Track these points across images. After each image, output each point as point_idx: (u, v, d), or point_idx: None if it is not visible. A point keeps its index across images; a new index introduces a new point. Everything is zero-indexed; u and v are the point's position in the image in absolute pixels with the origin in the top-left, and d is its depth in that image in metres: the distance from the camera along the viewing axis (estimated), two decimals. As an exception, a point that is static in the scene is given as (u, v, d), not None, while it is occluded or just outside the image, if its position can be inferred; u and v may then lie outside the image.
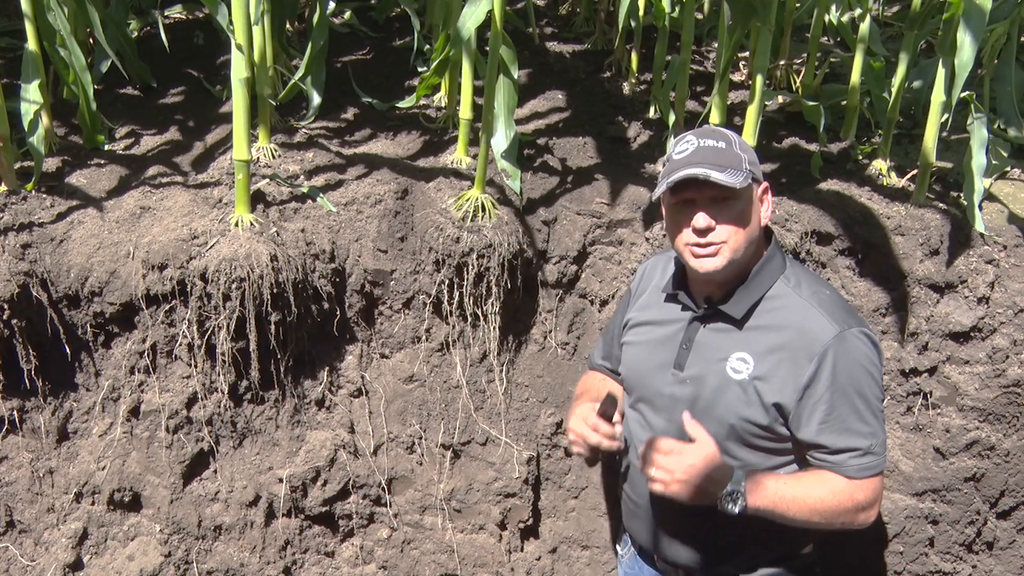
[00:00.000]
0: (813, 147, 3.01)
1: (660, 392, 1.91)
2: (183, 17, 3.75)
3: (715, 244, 1.76)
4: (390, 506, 2.69)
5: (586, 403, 1.97)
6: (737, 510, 1.72)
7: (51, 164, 2.72)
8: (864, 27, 2.93)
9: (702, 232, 1.75)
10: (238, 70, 2.35)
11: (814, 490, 1.77)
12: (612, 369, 2.16)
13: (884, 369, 2.62)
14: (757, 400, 1.78)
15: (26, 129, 2.54)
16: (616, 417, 1.89)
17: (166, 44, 2.93)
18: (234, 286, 2.36)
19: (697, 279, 1.86)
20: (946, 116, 2.62)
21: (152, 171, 2.76)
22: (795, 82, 3.44)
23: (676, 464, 1.73)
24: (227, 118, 2.71)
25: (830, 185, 2.80)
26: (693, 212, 1.76)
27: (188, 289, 2.41)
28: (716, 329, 1.85)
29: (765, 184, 1.84)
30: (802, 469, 1.85)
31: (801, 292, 1.82)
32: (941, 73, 2.54)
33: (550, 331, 2.72)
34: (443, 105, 3.13)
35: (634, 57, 3.33)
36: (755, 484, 1.74)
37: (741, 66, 3.48)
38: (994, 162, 2.88)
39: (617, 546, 2.28)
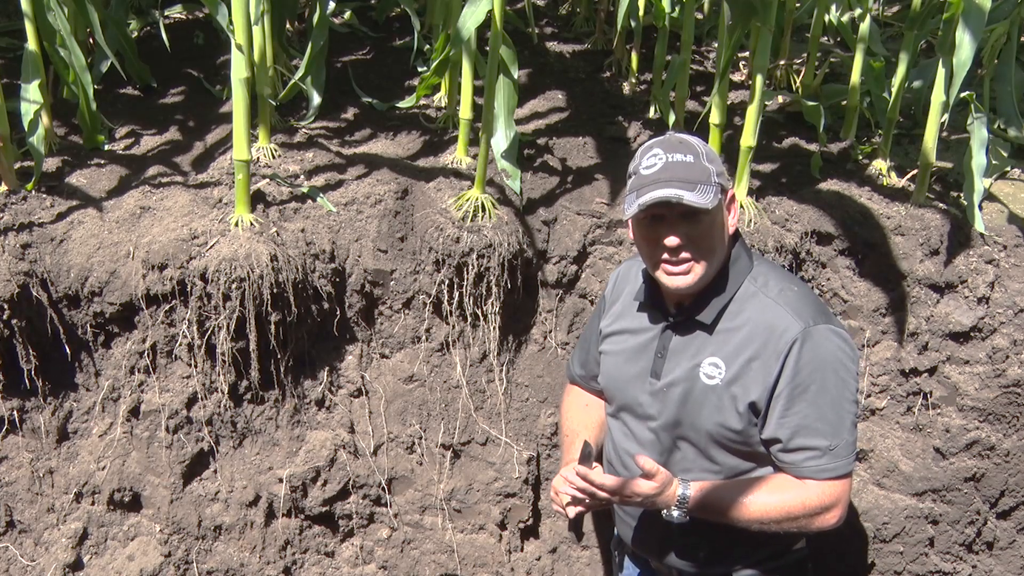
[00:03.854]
0: (813, 147, 3.01)
1: (638, 401, 1.91)
2: (183, 17, 3.75)
3: (686, 262, 1.76)
4: (390, 506, 2.69)
5: (572, 463, 1.95)
6: (677, 522, 1.80)
7: (51, 164, 2.72)
8: (864, 27, 2.93)
9: (673, 250, 1.75)
10: (238, 70, 2.35)
11: (763, 498, 1.78)
12: (590, 377, 2.15)
13: (884, 369, 2.63)
14: (731, 405, 1.79)
15: (26, 129, 2.54)
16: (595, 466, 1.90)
17: (166, 44, 2.93)
18: (234, 286, 2.37)
19: (668, 292, 1.87)
20: (946, 116, 2.61)
21: (152, 171, 2.76)
22: (795, 82, 3.44)
23: (618, 497, 1.81)
24: (227, 118, 2.71)
25: (830, 185, 2.80)
26: (663, 229, 1.75)
27: (188, 289, 2.41)
28: (688, 335, 1.85)
29: (732, 192, 1.85)
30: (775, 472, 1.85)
31: (768, 291, 1.81)
32: (941, 73, 2.54)
33: (550, 331, 2.72)
34: (443, 105, 3.13)
35: (634, 57, 3.33)
36: (696, 501, 1.78)
37: (741, 66, 3.48)
38: (994, 162, 2.88)
39: (612, 545, 2.29)
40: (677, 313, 1.87)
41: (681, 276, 1.77)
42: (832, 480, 1.76)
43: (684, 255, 1.75)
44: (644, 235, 1.80)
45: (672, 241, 1.74)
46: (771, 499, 1.77)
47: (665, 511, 1.80)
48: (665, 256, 1.76)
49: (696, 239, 1.75)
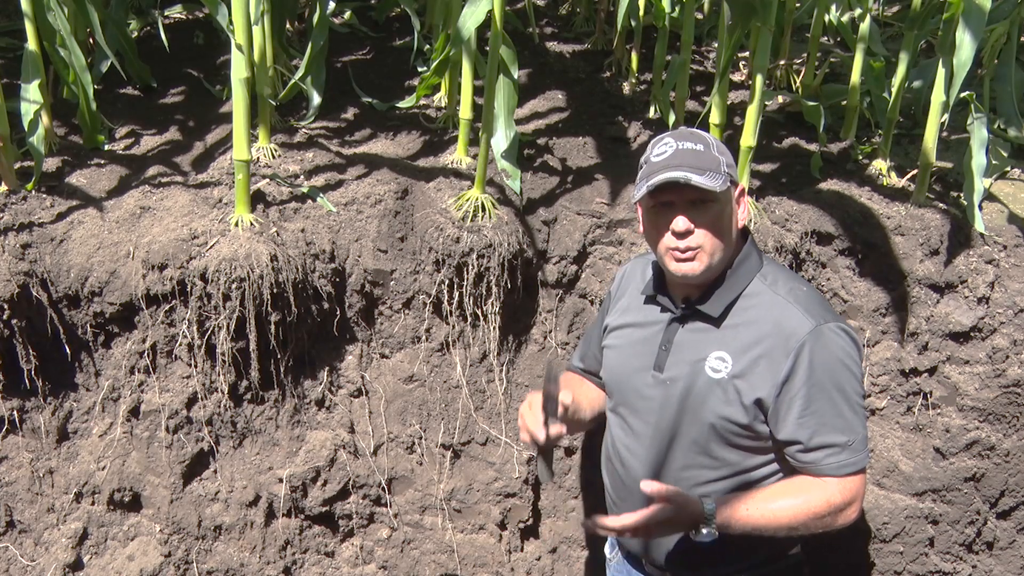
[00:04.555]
0: (813, 147, 3.01)
1: (640, 394, 1.91)
2: (183, 17, 3.76)
3: (694, 249, 1.76)
4: (390, 506, 2.69)
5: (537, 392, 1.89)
6: (708, 540, 1.77)
7: (51, 164, 2.72)
8: (864, 27, 2.93)
9: (681, 235, 1.76)
10: (238, 70, 2.35)
11: (787, 502, 1.77)
12: (587, 370, 2.16)
13: (884, 369, 2.63)
14: (737, 399, 1.78)
15: (26, 129, 2.54)
16: (564, 399, 1.80)
17: (166, 44, 2.93)
18: (234, 286, 2.37)
19: (675, 281, 1.87)
20: (946, 116, 2.61)
21: (152, 171, 2.76)
22: (795, 82, 3.44)
23: (643, 534, 1.80)
24: (227, 118, 2.71)
25: (830, 185, 2.80)
26: (672, 215, 1.76)
27: (188, 289, 2.41)
28: (694, 329, 1.85)
29: (742, 186, 1.86)
30: (783, 468, 1.85)
31: (777, 289, 1.82)
32: (941, 73, 2.54)
33: (550, 331, 2.72)
34: (443, 105, 3.13)
35: (634, 57, 3.33)
36: (724, 516, 1.76)
37: (741, 66, 3.48)
38: (994, 162, 2.88)
39: (606, 549, 2.28)
40: (684, 307, 1.87)
41: (688, 263, 1.77)
42: (852, 475, 1.77)
43: (692, 242, 1.76)
44: (653, 221, 1.81)
45: (680, 224, 1.75)
46: (797, 502, 1.77)
47: (694, 532, 1.77)
48: (673, 243, 1.77)
49: (704, 226, 1.76)
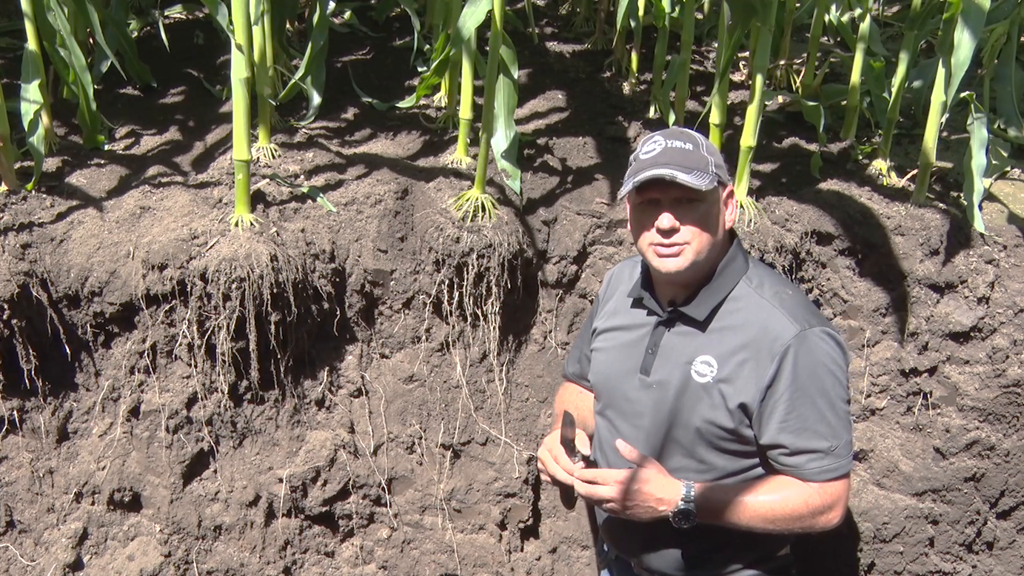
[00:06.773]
0: (813, 147, 3.01)
1: (627, 397, 1.91)
2: (183, 17, 3.76)
3: (678, 245, 1.77)
4: (390, 506, 2.69)
5: (556, 431, 1.94)
6: (687, 526, 1.77)
7: (51, 164, 2.72)
8: (864, 27, 2.93)
9: (666, 232, 1.76)
10: (238, 70, 2.35)
11: (766, 497, 1.77)
12: (583, 376, 2.15)
13: (884, 369, 2.64)
14: (722, 403, 1.78)
15: (26, 129, 2.54)
16: (581, 443, 1.86)
17: (166, 44, 2.94)
18: (234, 286, 2.37)
19: (661, 280, 1.87)
20: (946, 116, 2.61)
21: (152, 171, 2.76)
22: (795, 82, 3.44)
23: (619, 495, 1.77)
24: (227, 118, 2.71)
25: (830, 185, 2.80)
26: (657, 212, 1.77)
27: (188, 289, 2.41)
28: (680, 333, 1.86)
29: (730, 187, 1.86)
30: (769, 472, 1.85)
31: (763, 292, 1.82)
32: (941, 73, 2.54)
33: (550, 331, 2.72)
34: (443, 105, 3.13)
35: (634, 57, 3.33)
36: (704, 500, 1.76)
37: (741, 66, 3.48)
38: (994, 162, 2.88)
39: (597, 551, 2.28)
40: (670, 309, 1.87)
41: (672, 259, 1.77)
42: (834, 480, 1.77)
43: (676, 238, 1.76)
44: (639, 218, 1.82)
45: (665, 222, 1.75)
46: (775, 498, 1.77)
47: (672, 512, 1.77)
48: (657, 239, 1.78)
49: (690, 224, 1.76)
